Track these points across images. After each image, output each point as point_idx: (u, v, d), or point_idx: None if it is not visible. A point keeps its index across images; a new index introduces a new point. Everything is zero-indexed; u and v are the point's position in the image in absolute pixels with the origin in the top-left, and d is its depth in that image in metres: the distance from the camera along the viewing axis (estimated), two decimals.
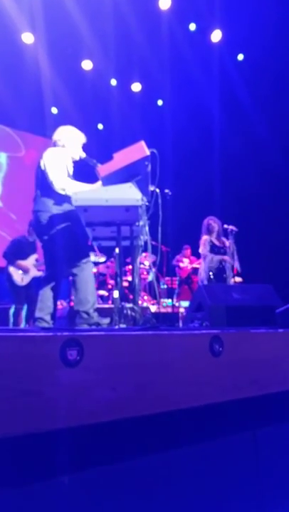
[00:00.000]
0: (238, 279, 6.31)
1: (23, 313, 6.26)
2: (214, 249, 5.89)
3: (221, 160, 9.04)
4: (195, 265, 8.05)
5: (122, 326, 3.12)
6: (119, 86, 9.56)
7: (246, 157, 9.06)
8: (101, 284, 7.39)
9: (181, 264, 8.44)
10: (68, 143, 3.80)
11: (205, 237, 5.98)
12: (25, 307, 6.25)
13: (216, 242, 5.95)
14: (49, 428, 1.30)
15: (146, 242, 3.50)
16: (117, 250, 3.35)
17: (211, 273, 5.80)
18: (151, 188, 3.47)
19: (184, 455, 1.71)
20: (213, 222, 6.04)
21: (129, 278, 6.71)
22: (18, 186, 9.39)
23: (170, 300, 7.33)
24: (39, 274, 6.20)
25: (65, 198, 3.52)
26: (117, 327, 3.08)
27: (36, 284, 5.97)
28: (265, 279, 4.35)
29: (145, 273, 7.33)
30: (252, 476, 1.95)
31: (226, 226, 6.00)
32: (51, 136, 3.92)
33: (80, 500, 1.40)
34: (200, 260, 6.56)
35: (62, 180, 3.53)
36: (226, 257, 5.84)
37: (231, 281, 5.86)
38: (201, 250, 5.97)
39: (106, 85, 9.42)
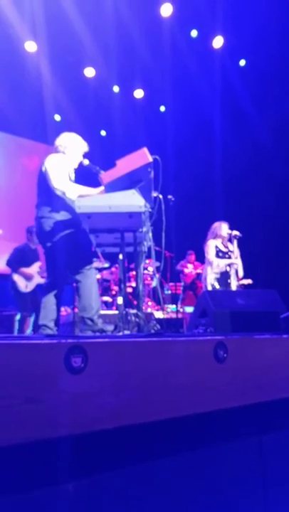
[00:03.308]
0: (247, 281, 6.25)
1: (31, 320, 6.27)
2: (219, 254, 5.87)
3: (223, 165, 9.05)
4: (199, 270, 8.04)
5: (127, 332, 3.12)
6: (121, 93, 9.61)
7: (249, 163, 9.07)
8: (105, 290, 7.39)
9: (185, 270, 8.43)
10: (69, 150, 3.82)
11: (210, 242, 5.95)
12: (33, 315, 6.25)
13: (222, 247, 5.92)
14: (53, 435, 1.30)
15: (149, 248, 3.51)
16: (120, 256, 3.35)
17: (215, 278, 5.77)
18: (154, 194, 3.48)
19: (188, 462, 1.71)
20: (218, 226, 6.01)
21: (133, 284, 6.69)
22: (21, 193, 9.42)
23: (174, 306, 7.32)
24: (43, 281, 6.20)
25: (66, 204, 3.53)
26: (121, 333, 3.08)
27: (41, 291, 5.99)
28: (268, 285, 4.35)
29: (149, 279, 7.33)
30: (258, 482, 1.93)
31: (229, 231, 5.97)
32: (54, 141, 3.94)
33: (84, 507, 1.39)
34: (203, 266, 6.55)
35: (62, 183, 3.54)
36: (233, 260, 5.80)
37: (236, 285, 5.82)
38: (207, 255, 5.93)
39: (108, 92, 9.46)
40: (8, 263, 6.29)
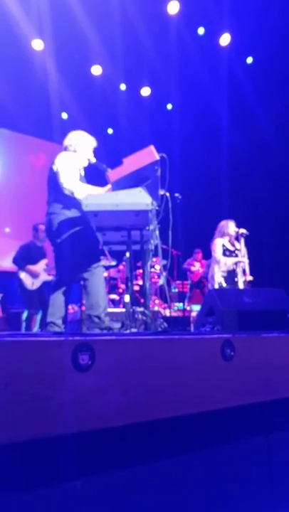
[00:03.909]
0: (248, 278, 6.23)
1: (38, 317, 6.29)
2: (226, 252, 5.85)
3: (230, 163, 9.02)
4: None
5: (133, 330, 3.12)
6: (128, 91, 9.60)
7: (255, 160, 9.04)
8: (112, 288, 7.39)
9: (192, 268, 8.42)
10: (79, 148, 3.82)
11: (217, 241, 5.93)
12: (40, 312, 6.27)
13: (229, 246, 5.90)
14: (60, 433, 1.30)
15: (156, 246, 3.50)
16: (127, 254, 3.35)
17: (222, 277, 5.75)
18: (161, 192, 3.47)
19: (195, 460, 1.71)
20: (226, 224, 5.98)
21: (140, 282, 6.70)
22: (28, 191, 9.45)
23: (181, 304, 7.31)
24: (49, 278, 6.22)
25: (75, 202, 3.54)
26: (128, 331, 3.08)
27: (48, 288, 6.01)
28: (275, 283, 4.33)
29: (156, 277, 7.32)
30: (265, 481, 1.93)
31: (236, 229, 5.95)
32: (61, 142, 3.95)
33: (90, 505, 1.39)
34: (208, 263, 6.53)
35: (72, 183, 3.55)
36: (240, 259, 5.78)
37: (242, 281, 5.80)
38: (214, 254, 5.90)
39: (115, 90, 9.46)
40: (14, 261, 6.31)
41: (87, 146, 3.86)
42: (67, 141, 3.88)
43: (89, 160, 3.84)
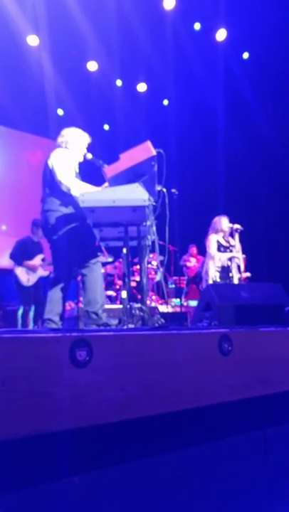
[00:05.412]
0: (245, 274, 6.23)
1: (31, 314, 6.29)
2: (221, 248, 5.85)
3: (226, 159, 9.02)
4: None
5: (131, 326, 3.12)
6: (124, 86, 9.57)
7: (251, 156, 9.03)
8: (109, 284, 7.39)
9: (188, 264, 8.42)
10: (72, 145, 3.81)
11: (211, 237, 5.93)
12: (32, 308, 6.27)
13: (223, 242, 5.90)
14: (58, 429, 1.30)
15: (153, 242, 3.50)
16: (124, 251, 3.35)
17: (217, 273, 5.76)
18: (158, 187, 3.47)
19: (193, 455, 1.71)
20: (218, 221, 5.99)
21: (137, 278, 6.70)
22: (24, 188, 9.42)
23: (178, 299, 7.32)
24: (45, 274, 6.23)
25: (71, 199, 3.53)
26: (125, 327, 3.09)
27: (43, 284, 6.00)
28: (271, 278, 4.34)
29: (153, 273, 7.33)
30: (262, 475, 1.94)
31: (230, 225, 5.95)
32: (57, 138, 3.93)
33: (88, 500, 1.40)
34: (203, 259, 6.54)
35: (69, 180, 3.54)
36: (235, 254, 5.78)
37: (238, 278, 5.81)
38: (209, 250, 5.91)
39: (111, 86, 9.43)
40: (12, 256, 6.31)
41: (80, 142, 3.85)
42: (60, 139, 3.86)
43: (85, 156, 3.83)
